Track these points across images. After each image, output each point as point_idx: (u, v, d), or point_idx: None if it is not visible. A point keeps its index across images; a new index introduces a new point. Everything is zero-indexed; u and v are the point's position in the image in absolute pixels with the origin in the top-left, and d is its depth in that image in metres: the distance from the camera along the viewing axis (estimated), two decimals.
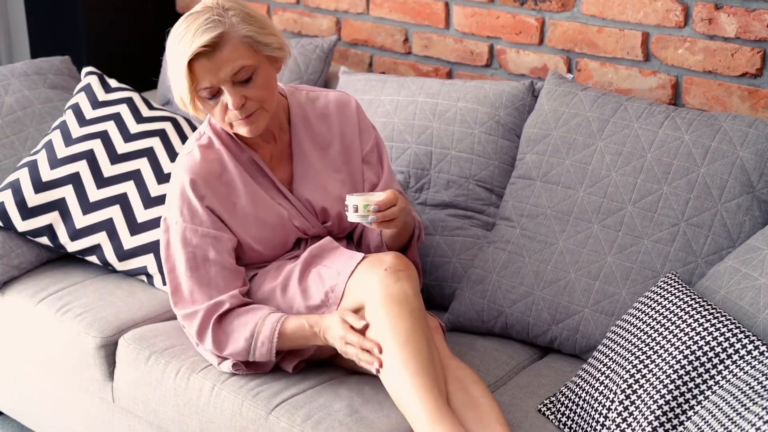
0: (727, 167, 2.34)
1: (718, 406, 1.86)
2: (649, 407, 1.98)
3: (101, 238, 2.79)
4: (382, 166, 2.51)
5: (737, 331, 1.99)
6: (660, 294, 2.16)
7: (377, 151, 2.51)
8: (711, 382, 1.95)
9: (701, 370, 1.97)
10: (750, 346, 1.96)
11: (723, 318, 2.02)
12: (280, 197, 2.40)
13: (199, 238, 2.30)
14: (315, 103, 2.46)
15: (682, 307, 2.09)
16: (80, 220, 2.79)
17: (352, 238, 2.55)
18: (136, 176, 2.83)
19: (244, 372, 2.34)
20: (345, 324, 2.15)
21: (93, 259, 2.83)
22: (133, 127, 2.90)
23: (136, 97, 3.00)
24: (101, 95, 2.98)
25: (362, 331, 2.13)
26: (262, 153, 2.39)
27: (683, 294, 2.13)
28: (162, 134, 2.90)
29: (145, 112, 2.96)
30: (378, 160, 2.51)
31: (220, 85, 2.18)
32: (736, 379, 1.92)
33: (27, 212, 2.79)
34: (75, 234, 2.80)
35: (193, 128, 2.98)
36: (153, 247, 2.76)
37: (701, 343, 1.99)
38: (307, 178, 2.42)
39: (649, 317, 2.12)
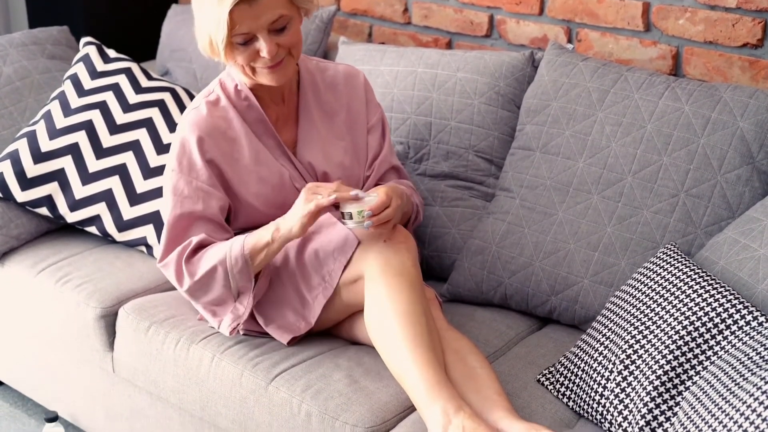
0: (727, 138, 2.34)
1: (717, 376, 1.87)
2: (647, 377, 1.98)
3: (101, 209, 2.79)
4: (384, 139, 2.52)
5: (736, 301, 1.99)
6: (659, 265, 2.16)
7: (381, 125, 2.52)
8: (709, 353, 1.96)
9: (700, 340, 1.97)
10: (749, 317, 1.96)
11: (722, 289, 2.03)
12: (283, 158, 2.40)
13: (191, 190, 2.31)
14: (324, 73, 2.48)
15: (681, 278, 2.09)
16: (79, 191, 2.79)
17: None
18: (135, 147, 2.82)
19: (242, 330, 2.34)
20: (308, 190, 2.19)
21: (92, 229, 2.84)
22: (132, 98, 2.90)
23: (134, 67, 2.99)
24: (100, 66, 2.97)
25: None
26: (269, 114, 2.40)
27: (682, 265, 2.13)
28: (161, 105, 2.90)
29: (144, 82, 2.95)
30: (381, 134, 2.51)
31: (256, 32, 2.19)
32: (735, 349, 1.92)
33: (26, 183, 2.79)
34: (74, 204, 2.80)
35: (192, 98, 2.97)
36: (152, 218, 2.76)
37: (700, 313, 2.00)
38: (311, 143, 2.42)
39: (649, 288, 2.12)
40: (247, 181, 2.36)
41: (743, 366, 1.83)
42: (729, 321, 1.97)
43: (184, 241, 2.31)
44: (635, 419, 1.97)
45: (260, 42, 2.20)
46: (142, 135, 2.83)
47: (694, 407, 1.85)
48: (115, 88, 2.91)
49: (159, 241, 2.73)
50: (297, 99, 2.44)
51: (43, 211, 2.83)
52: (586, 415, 2.13)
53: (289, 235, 2.20)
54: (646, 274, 2.16)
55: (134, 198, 2.78)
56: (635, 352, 2.03)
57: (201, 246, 2.29)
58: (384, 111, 2.70)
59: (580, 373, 2.15)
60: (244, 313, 2.29)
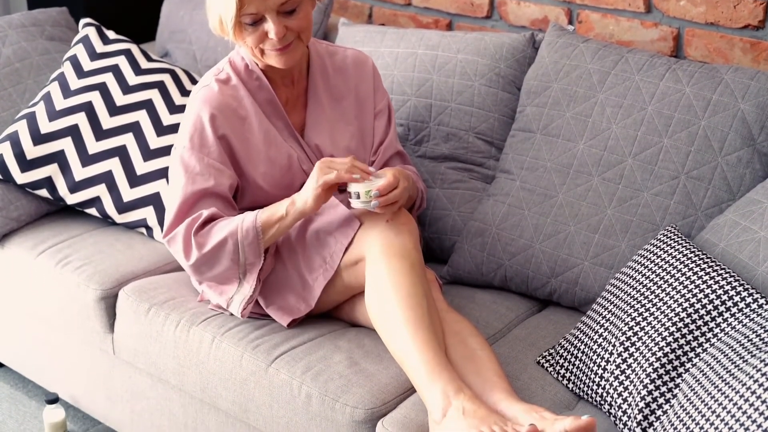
0: (728, 120, 2.33)
1: (716, 358, 1.87)
2: (647, 359, 1.99)
3: (100, 191, 2.79)
4: (390, 125, 2.52)
5: (736, 283, 1.99)
6: (659, 247, 2.16)
7: (388, 111, 2.52)
8: (709, 335, 1.96)
9: (700, 322, 1.97)
10: (749, 299, 1.96)
11: (722, 271, 2.03)
12: (291, 140, 2.40)
13: (202, 166, 2.29)
14: (333, 57, 2.47)
15: (682, 260, 2.09)
16: (79, 173, 2.79)
17: None
18: (135, 128, 2.82)
19: (249, 312, 2.34)
20: (323, 163, 2.18)
21: (92, 211, 2.83)
22: (132, 79, 2.89)
23: (134, 48, 2.98)
24: (99, 47, 2.96)
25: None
26: (279, 95, 2.39)
27: (683, 247, 2.13)
28: (161, 86, 2.89)
29: (144, 63, 2.94)
30: (387, 120, 2.52)
31: (265, 12, 2.19)
32: (735, 331, 1.92)
33: (26, 164, 2.79)
34: (74, 186, 2.80)
35: (192, 80, 2.97)
36: (152, 200, 2.76)
37: (700, 295, 2.00)
38: (319, 126, 2.42)
39: (649, 270, 2.12)
40: (255, 161, 2.35)
41: (743, 348, 1.83)
42: (729, 303, 1.97)
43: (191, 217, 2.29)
44: (635, 401, 1.98)
45: (269, 23, 2.20)
46: (141, 116, 2.83)
47: (693, 389, 1.86)
48: (115, 70, 2.90)
49: (162, 220, 2.74)
50: (306, 82, 2.44)
51: (43, 192, 2.83)
52: (585, 396, 2.13)
53: (304, 209, 2.20)
54: (647, 256, 2.16)
55: (134, 180, 2.78)
56: (635, 334, 2.04)
57: (210, 219, 2.28)
58: None
59: (579, 355, 2.15)
60: (251, 292, 2.28)
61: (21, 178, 2.80)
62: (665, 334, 1.99)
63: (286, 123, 2.40)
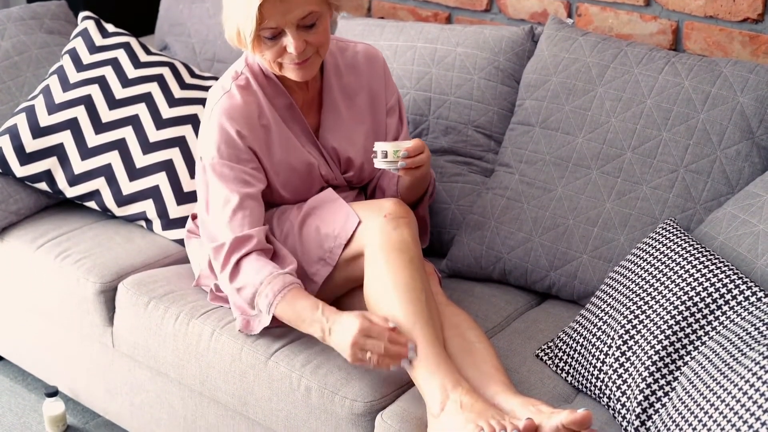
0: (727, 113, 2.33)
1: (715, 351, 1.87)
2: (646, 353, 1.99)
3: (100, 184, 2.79)
4: (402, 122, 2.52)
5: (735, 277, 1.99)
6: (658, 240, 2.16)
7: (398, 107, 2.52)
8: (708, 328, 1.96)
9: (698, 315, 1.98)
10: (747, 292, 1.96)
11: (721, 264, 2.03)
12: (309, 144, 2.39)
13: (236, 173, 2.28)
14: (344, 53, 2.45)
15: (680, 253, 2.09)
16: (79, 166, 2.79)
17: (365, 191, 2.55)
18: (134, 122, 2.82)
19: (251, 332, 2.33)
20: (366, 321, 2.05)
21: (92, 204, 2.84)
22: (131, 72, 2.89)
23: (133, 42, 2.98)
24: (98, 40, 2.96)
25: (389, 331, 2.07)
26: (296, 99, 2.38)
27: (681, 240, 2.13)
28: (160, 79, 2.89)
29: (143, 57, 2.94)
30: (399, 117, 2.51)
31: (285, 27, 2.17)
32: (733, 324, 1.93)
33: (25, 158, 2.79)
34: (73, 179, 2.79)
35: (191, 73, 2.97)
36: (152, 193, 2.76)
37: (699, 288, 2.00)
38: (335, 127, 2.41)
39: (647, 263, 2.13)
40: (277, 169, 2.35)
41: (742, 341, 1.83)
42: (728, 296, 1.97)
43: (236, 226, 2.24)
44: (633, 394, 1.98)
45: (288, 38, 2.18)
46: (141, 110, 2.83)
47: (692, 382, 1.86)
48: (114, 63, 2.90)
49: (161, 213, 2.74)
50: (320, 83, 2.42)
51: (42, 186, 2.83)
52: (584, 390, 2.14)
53: (337, 350, 2.11)
54: (645, 250, 2.17)
55: (133, 173, 2.78)
56: (634, 327, 2.04)
57: (256, 250, 2.24)
58: None
59: (578, 348, 2.16)
60: (268, 322, 2.25)
61: (20, 171, 2.80)
62: (664, 327, 1.99)
63: (303, 127, 2.39)
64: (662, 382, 1.96)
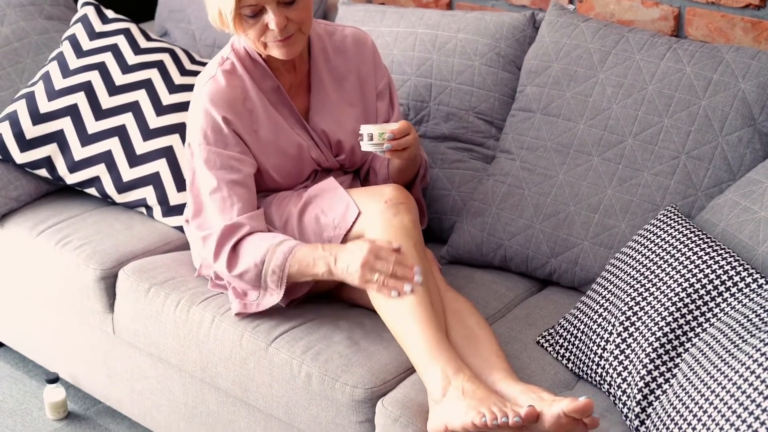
0: (729, 100, 2.33)
1: (716, 338, 1.87)
2: (647, 339, 1.99)
3: (100, 170, 2.79)
4: (393, 106, 2.51)
5: (736, 263, 1.99)
6: (659, 227, 2.16)
7: (389, 90, 2.51)
8: (709, 315, 1.96)
9: (699, 302, 1.97)
10: (748, 279, 1.96)
11: (722, 251, 2.03)
12: (298, 127, 2.39)
13: (223, 159, 2.28)
14: (332, 37, 2.45)
15: (682, 240, 2.09)
16: (79, 152, 2.78)
17: (359, 174, 2.55)
18: (134, 108, 2.81)
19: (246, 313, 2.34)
20: (374, 243, 2.10)
21: (92, 191, 2.83)
22: (131, 59, 2.88)
23: (133, 28, 2.97)
24: (98, 26, 2.96)
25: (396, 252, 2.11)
26: (283, 82, 2.38)
27: (682, 227, 2.13)
28: (160, 66, 2.88)
29: (143, 43, 2.93)
30: (389, 100, 2.51)
31: (265, 3, 2.17)
32: (734, 311, 1.92)
33: (25, 144, 2.79)
34: (74, 166, 2.79)
35: (191, 59, 2.96)
36: (152, 179, 2.76)
37: (700, 275, 2.00)
38: (324, 110, 2.41)
39: (648, 250, 2.12)
40: (267, 153, 2.34)
41: (743, 328, 1.83)
42: (729, 283, 1.97)
43: (226, 214, 2.26)
44: (634, 381, 1.98)
45: (269, 14, 2.18)
46: (141, 96, 2.82)
47: (693, 369, 1.86)
48: (114, 49, 2.90)
49: (161, 200, 2.74)
50: (308, 66, 2.42)
51: (43, 172, 2.82)
52: (585, 376, 2.14)
53: (344, 278, 2.14)
54: (647, 236, 2.16)
55: (134, 159, 2.77)
56: (635, 314, 2.04)
57: (248, 234, 2.25)
58: None
59: (579, 334, 2.16)
60: (277, 301, 2.26)
61: (20, 157, 2.79)
62: (665, 314, 1.99)
63: (291, 110, 2.38)
64: (663, 368, 1.96)
